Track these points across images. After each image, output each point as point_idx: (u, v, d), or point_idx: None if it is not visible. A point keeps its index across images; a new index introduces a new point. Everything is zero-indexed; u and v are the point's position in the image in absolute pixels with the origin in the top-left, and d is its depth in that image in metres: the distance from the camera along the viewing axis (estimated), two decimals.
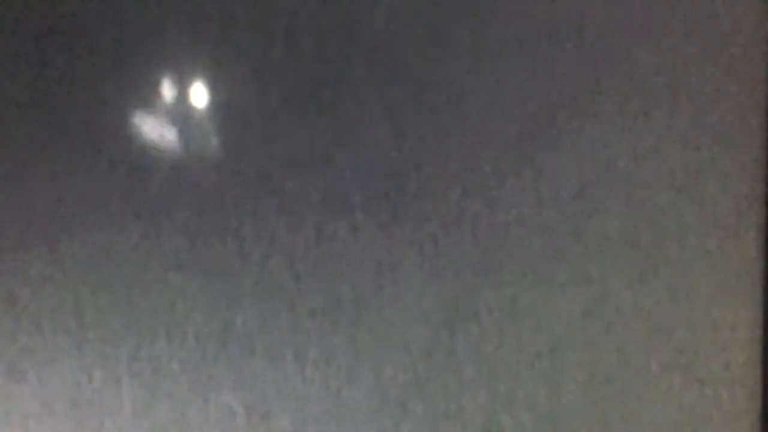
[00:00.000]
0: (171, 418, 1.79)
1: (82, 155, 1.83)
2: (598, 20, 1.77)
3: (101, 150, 1.82)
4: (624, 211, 1.75)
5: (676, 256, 1.73)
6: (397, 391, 1.76)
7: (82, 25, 1.83)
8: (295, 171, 1.79)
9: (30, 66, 1.84)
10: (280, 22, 1.81)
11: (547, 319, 1.74)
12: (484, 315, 1.75)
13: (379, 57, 1.79)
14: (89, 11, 1.83)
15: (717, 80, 1.75)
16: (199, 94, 1.81)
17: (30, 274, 1.82)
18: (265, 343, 1.78)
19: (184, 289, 1.79)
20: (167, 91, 1.82)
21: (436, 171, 1.77)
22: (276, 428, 1.77)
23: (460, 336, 1.75)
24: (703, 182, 1.74)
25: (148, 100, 1.82)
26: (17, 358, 1.82)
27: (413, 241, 1.76)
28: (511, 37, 1.78)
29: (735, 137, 1.74)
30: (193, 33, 1.82)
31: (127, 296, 1.80)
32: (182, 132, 1.81)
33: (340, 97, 1.79)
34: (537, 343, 1.74)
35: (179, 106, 1.81)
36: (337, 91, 1.79)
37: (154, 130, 1.81)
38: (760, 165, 1.73)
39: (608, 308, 1.73)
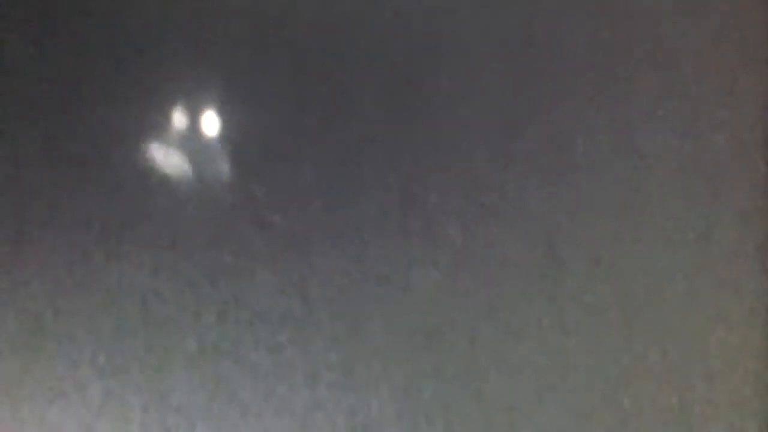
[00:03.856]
0: None
1: (86, 177, 1.84)
2: (605, 16, 1.78)
3: (104, 175, 1.83)
4: (629, 214, 1.77)
5: (687, 258, 1.76)
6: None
7: (89, 51, 1.83)
8: (302, 196, 1.80)
9: (35, 95, 1.85)
10: (286, 52, 1.81)
11: (556, 318, 1.77)
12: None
13: (388, 83, 1.80)
14: (98, 37, 1.83)
15: (720, 78, 1.76)
16: (206, 122, 1.82)
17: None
18: (276, 370, 1.80)
19: (193, 313, 1.81)
20: (175, 118, 1.82)
21: (445, 192, 1.78)
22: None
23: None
24: (709, 182, 1.76)
25: (155, 127, 1.82)
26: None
27: (424, 258, 1.78)
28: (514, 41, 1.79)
29: (739, 137, 1.75)
30: (200, 61, 1.82)
31: (136, 326, 1.82)
32: (190, 158, 1.81)
33: (348, 124, 1.80)
34: (551, 342, 1.77)
35: (186, 134, 1.82)
36: (344, 118, 1.80)
37: (162, 156, 1.81)
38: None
39: (619, 314, 1.76)
